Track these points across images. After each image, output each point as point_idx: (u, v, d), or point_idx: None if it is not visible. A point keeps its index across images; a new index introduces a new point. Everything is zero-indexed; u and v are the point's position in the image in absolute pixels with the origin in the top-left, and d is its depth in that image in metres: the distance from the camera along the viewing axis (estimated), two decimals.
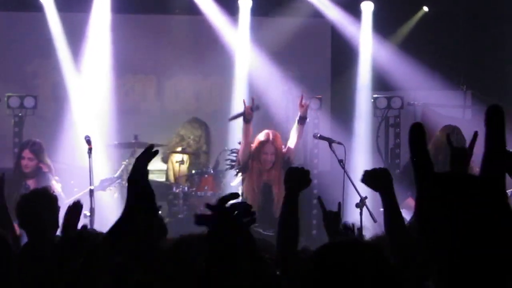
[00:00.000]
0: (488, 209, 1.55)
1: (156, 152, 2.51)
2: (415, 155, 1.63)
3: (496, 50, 11.09)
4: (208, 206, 2.07)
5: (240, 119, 8.09)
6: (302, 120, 8.05)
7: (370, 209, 7.46)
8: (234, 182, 9.05)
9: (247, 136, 7.98)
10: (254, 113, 7.98)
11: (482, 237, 1.53)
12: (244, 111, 7.94)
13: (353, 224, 4.52)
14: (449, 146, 3.75)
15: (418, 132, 1.64)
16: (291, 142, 8.13)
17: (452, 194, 1.58)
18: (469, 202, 1.56)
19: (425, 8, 11.28)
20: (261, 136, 8.03)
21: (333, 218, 4.31)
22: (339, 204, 4.55)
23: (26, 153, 8.25)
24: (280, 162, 7.96)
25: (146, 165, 2.48)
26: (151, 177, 9.30)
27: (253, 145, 8.02)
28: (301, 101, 8.07)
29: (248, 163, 8.01)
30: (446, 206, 1.57)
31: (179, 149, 10.15)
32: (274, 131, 8.14)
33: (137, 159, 2.49)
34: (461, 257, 1.55)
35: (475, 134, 3.66)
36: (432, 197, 1.60)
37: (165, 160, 10.28)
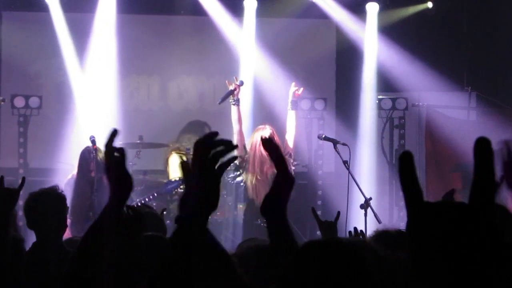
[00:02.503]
0: (478, 237, 1.58)
1: (116, 132, 2.40)
2: (405, 184, 1.65)
3: (501, 51, 11.07)
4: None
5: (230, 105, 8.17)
6: (294, 104, 8.33)
7: (375, 210, 7.45)
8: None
9: (240, 120, 8.04)
10: (240, 89, 8.15)
11: (473, 265, 1.56)
12: (233, 89, 8.10)
13: (357, 229, 4.54)
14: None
15: (408, 160, 1.65)
16: (289, 136, 8.19)
17: (442, 222, 1.61)
18: (459, 231, 1.59)
19: (429, 4, 11.21)
20: (259, 129, 8.06)
21: (328, 228, 4.29)
22: (338, 213, 4.54)
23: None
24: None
25: (112, 148, 2.38)
26: (155, 177, 9.18)
27: (252, 139, 8.05)
28: (296, 91, 8.42)
29: (246, 157, 8.02)
30: (437, 234, 1.60)
31: (179, 150, 10.09)
32: (270, 126, 8.15)
33: (106, 145, 2.40)
34: (453, 283, 1.57)
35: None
36: (423, 226, 1.62)
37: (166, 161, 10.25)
